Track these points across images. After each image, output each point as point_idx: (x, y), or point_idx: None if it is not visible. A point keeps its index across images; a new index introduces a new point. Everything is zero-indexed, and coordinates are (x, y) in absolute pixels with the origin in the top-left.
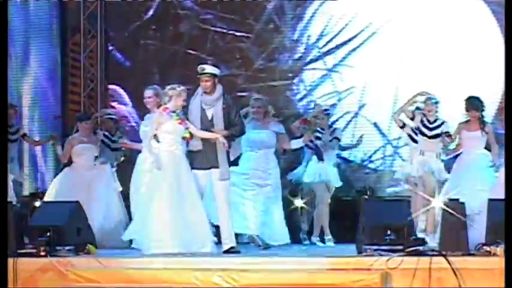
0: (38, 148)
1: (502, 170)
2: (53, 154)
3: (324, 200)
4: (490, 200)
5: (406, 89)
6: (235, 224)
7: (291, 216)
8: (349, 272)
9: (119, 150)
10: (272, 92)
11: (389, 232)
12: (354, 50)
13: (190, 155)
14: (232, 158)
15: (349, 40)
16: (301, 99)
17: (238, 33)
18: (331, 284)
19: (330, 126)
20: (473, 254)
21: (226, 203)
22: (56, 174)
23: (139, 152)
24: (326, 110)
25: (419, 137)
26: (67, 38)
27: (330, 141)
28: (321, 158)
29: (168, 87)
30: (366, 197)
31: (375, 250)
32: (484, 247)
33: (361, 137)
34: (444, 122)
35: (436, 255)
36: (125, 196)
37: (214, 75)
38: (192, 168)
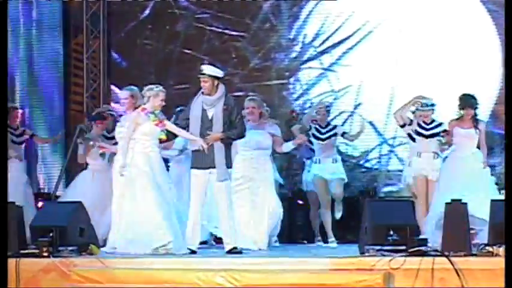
0: (45, 148)
1: None
2: (58, 155)
3: (324, 200)
4: (493, 200)
5: (402, 88)
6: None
7: (292, 217)
8: (352, 272)
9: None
10: (268, 91)
11: (391, 232)
12: (350, 49)
13: (193, 154)
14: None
15: (345, 39)
16: (297, 98)
17: (234, 33)
18: (334, 284)
19: (328, 124)
20: (475, 255)
21: (227, 204)
22: (61, 175)
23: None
24: (328, 106)
25: (417, 137)
26: (70, 39)
27: (329, 138)
28: (318, 160)
29: (146, 87)
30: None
31: (378, 250)
32: (487, 247)
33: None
34: (441, 123)
35: (438, 256)
36: None
37: (212, 77)
38: (192, 167)
